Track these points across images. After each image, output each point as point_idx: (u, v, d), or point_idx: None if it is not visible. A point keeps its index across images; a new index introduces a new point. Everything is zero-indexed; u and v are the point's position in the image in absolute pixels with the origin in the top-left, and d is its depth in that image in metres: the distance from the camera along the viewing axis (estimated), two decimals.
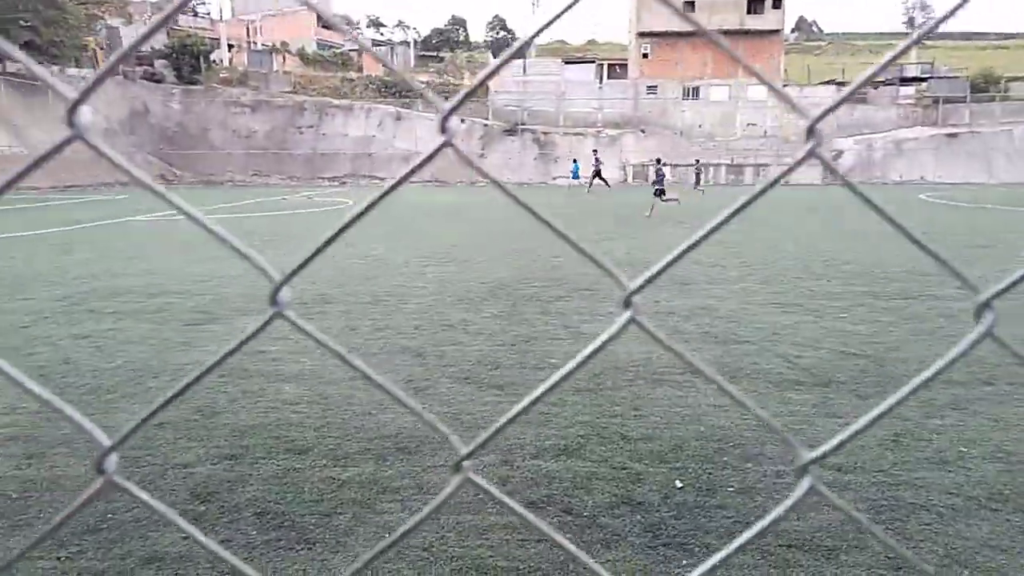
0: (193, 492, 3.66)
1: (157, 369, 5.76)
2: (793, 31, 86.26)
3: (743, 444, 4.30)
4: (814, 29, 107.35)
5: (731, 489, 3.76)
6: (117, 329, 7.12)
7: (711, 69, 50.53)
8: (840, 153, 46.89)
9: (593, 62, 58.12)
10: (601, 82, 53.21)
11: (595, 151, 37.32)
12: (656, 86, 50.75)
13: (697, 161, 35.23)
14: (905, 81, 51.96)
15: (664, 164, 22.82)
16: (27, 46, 41.08)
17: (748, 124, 49.23)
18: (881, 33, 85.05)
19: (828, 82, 54.78)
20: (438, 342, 6.66)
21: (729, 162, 47.32)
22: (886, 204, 0.63)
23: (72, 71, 45.04)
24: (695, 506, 3.57)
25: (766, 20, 50.00)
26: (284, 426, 4.57)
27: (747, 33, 49.87)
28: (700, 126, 50.02)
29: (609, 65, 58.47)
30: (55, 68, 42.90)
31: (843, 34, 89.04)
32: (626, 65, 56.89)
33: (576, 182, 35.23)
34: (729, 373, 5.63)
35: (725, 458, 4.12)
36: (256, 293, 8.94)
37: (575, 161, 37.53)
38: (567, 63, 54.82)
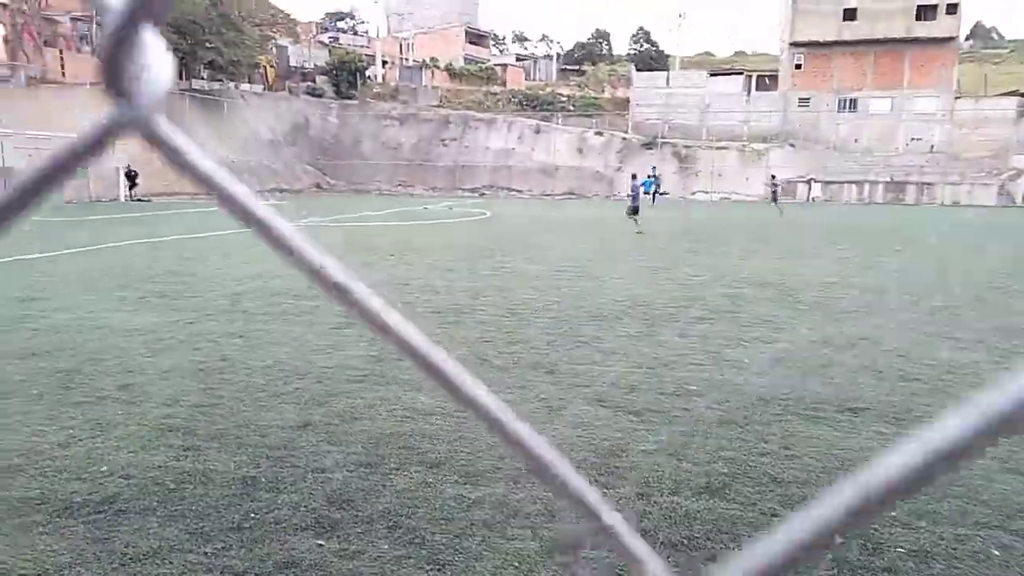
0: (329, 498, 3.71)
1: (303, 371, 6.01)
2: (967, 38, 79.01)
3: (915, 499, 3.80)
4: (993, 36, 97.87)
5: (901, 551, 3.31)
6: (269, 330, 7.53)
7: (871, 80, 47.20)
8: (1019, 172, 42.22)
9: (741, 74, 56.02)
10: (749, 94, 51.17)
11: (654, 167, 41.25)
12: (809, 98, 48.13)
13: (773, 177, 33.03)
14: None
15: (655, 176, 20.39)
16: (210, 65, 45.41)
17: (912, 139, 45.50)
18: None
19: (1010, 93, 49.50)
20: (572, 359, 6.50)
21: (888, 179, 43.93)
22: None
23: (244, 87, 49.26)
24: (859, 567, 3.16)
25: (938, 27, 45.99)
26: (418, 437, 4.58)
27: (915, 41, 46.13)
28: (856, 140, 46.85)
29: (758, 77, 56.12)
30: (231, 84, 47.11)
31: None
32: (776, 77, 54.39)
33: (647, 193, 35.98)
34: (896, 415, 5.06)
35: (893, 513, 3.65)
36: (397, 300, 9.20)
37: (649, 175, 37.30)
38: (713, 75, 53.20)
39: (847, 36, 46.87)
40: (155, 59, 0.32)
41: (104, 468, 4.05)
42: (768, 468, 4.16)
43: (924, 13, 46.04)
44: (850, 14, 46.79)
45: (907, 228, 23.19)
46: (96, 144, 0.32)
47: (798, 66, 48.91)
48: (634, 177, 21.46)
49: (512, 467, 4.15)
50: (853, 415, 5.06)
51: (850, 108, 47.44)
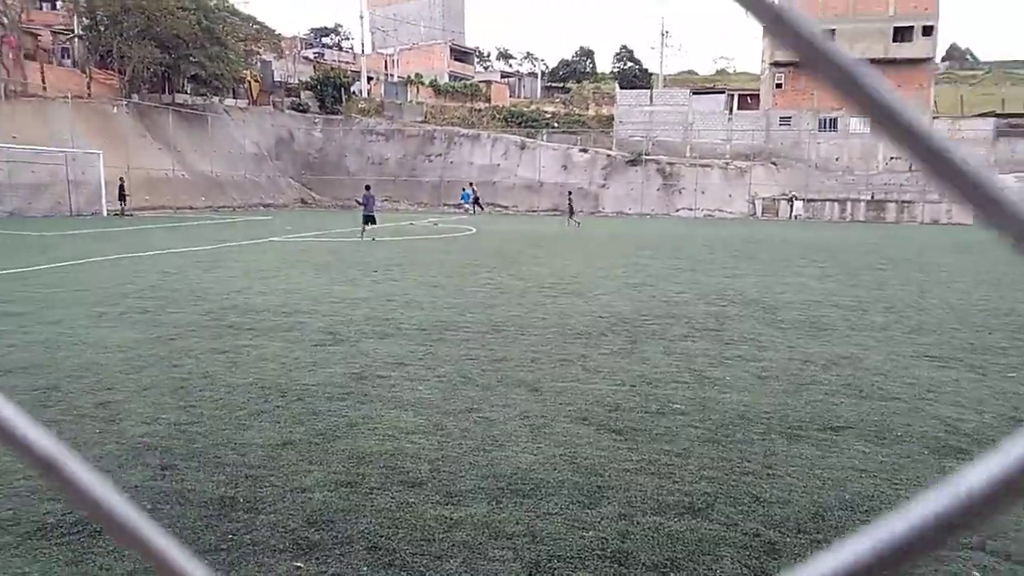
0: (309, 519, 3.66)
1: (285, 388, 5.95)
2: (944, 60, 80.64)
3: None
4: (968, 58, 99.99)
5: None
6: (252, 346, 7.47)
7: None
8: None
9: (723, 92, 56.75)
10: (731, 113, 51.79)
11: (471, 183, 44.65)
12: (790, 117, 48.79)
13: (569, 193, 34.24)
14: None
15: (368, 188, 23.08)
16: (193, 79, 45.27)
17: (891, 158, 46.21)
18: None
19: (986, 114, 50.50)
20: (556, 377, 6.49)
21: (869, 198, 44.55)
22: None
23: (229, 101, 49.14)
24: None
25: (914, 48, 46.94)
26: (400, 456, 4.54)
27: (893, 62, 47.00)
28: (837, 159, 47.53)
29: (740, 95, 56.85)
30: (215, 99, 46.97)
31: (1003, 62, 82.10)
32: (758, 95, 55.12)
33: (467, 205, 41.57)
34: (877, 434, 5.09)
35: None
36: (381, 316, 9.17)
37: (464, 189, 43.78)
38: (695, 93, 53.81)
39: None
40: None
41: None
42: (750, 488, 4.17)
43: (901, 34, 46.97)
44: (830, 35, 47.54)
45: (888, 247, 23.47)
46: None
47: (779, 85, 49.62)
48: (367, 188, 23.27)
49: (494, 487, 4.12)
50: (834, 433, 5.08)
51: (830, 127, 48.16)
